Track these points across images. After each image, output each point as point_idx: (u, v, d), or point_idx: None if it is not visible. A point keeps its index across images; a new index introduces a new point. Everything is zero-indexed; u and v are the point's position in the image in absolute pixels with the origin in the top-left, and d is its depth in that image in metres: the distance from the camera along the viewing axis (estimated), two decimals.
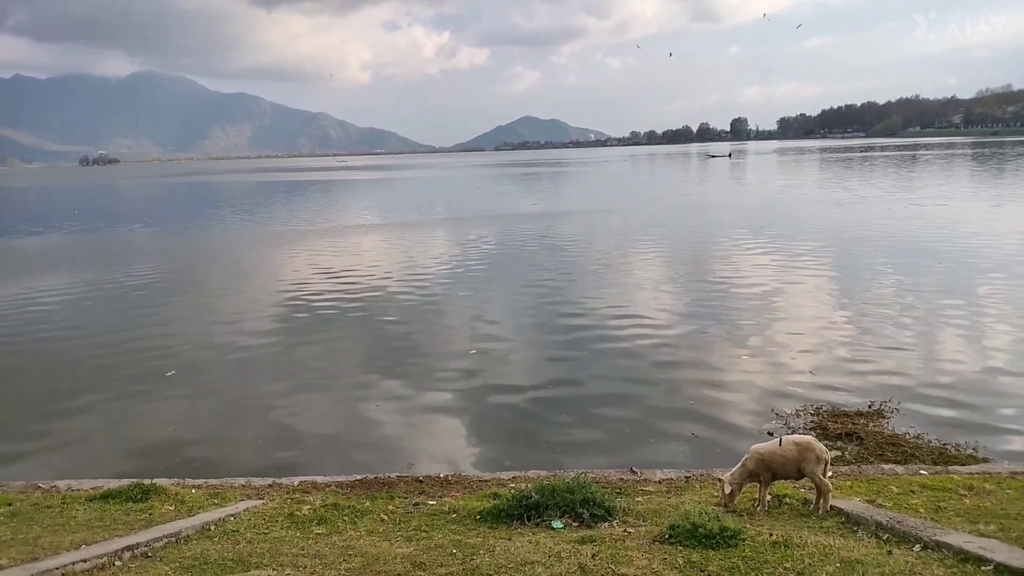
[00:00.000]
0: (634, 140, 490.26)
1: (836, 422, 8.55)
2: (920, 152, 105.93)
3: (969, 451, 7.64)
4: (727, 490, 5.23)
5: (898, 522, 4.60)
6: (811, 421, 8.75)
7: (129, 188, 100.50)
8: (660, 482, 6.56)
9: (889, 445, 7.78)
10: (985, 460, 7.29)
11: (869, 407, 9.09)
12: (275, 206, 52.75)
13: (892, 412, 8.91)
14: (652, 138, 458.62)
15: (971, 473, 6.46)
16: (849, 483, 6.17)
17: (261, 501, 6.10)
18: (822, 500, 5.18)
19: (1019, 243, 21.35)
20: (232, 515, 5.49)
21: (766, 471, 5.23)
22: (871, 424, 8.50)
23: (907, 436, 8.10)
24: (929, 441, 7.93)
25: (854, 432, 8.16)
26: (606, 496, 5.30)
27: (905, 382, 10.06)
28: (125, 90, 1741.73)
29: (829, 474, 5.22)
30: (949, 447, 7.76)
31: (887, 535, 4.47)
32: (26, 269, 24.14)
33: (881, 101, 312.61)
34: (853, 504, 5.25)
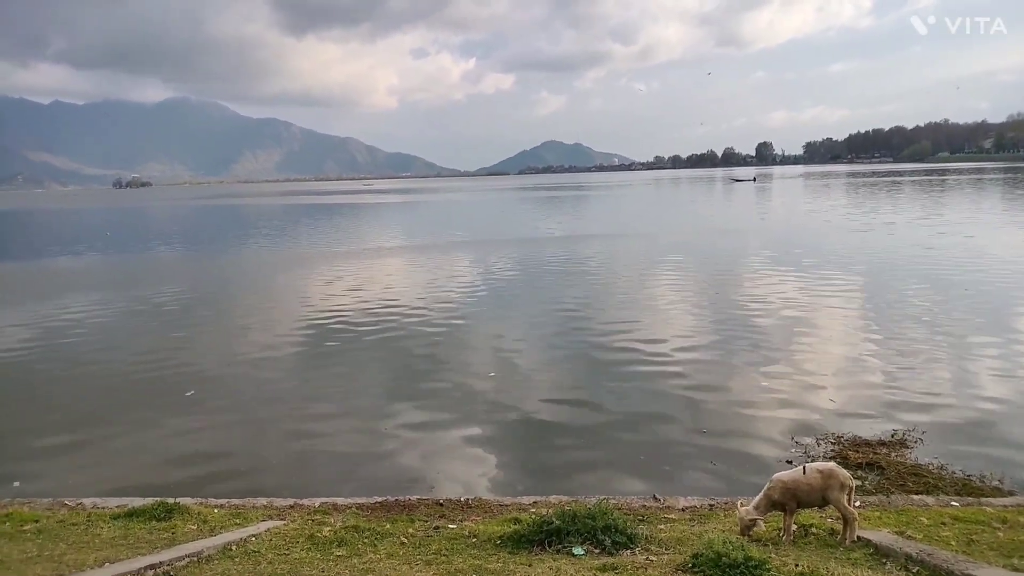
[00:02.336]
0: (658, 164, 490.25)
1: (857, 451, 8.37)
2: (950, 177, 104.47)
3: (995, 483, 7.40)
4: (748, 520, 5.12)
5: (929, 555, 4.47)
6: (832, 450, 8.56)
7: (160, 210, 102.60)
8: (683, 509, 6.47)
9: (911, 475, 7.60)
10: (1011, 493, 7.06)
11: (892, 436, 8.89)
12: (301, 228, 53.46)
13: (915, 442, 8.69)
14: (676, 162, 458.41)
15: (1005, 506, 6.28)
16: (878, 513, 6.03)
17: (282, 522, 6.12)
18: (848, 529, 5.06)
19: None
20: (254, 535, 5.51)
21: (791, 500, 5.13)
22: (893, 454, 8.30)
23: (930, 467, 7.90)
24: (953, 472, 7.72)
25: (875, 462, 7.98)
26: (628, 523, 5.24)
27: (930, 412, 9.81)
28: (159, 115, 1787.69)
29: (856, 503, 5.11)
30: (974, 478, 7.54)
31: (917, 568, 4.35)
32: (59, 288, 24.63)
33: (909, 126, 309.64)
34: (882, 535, 5.12)
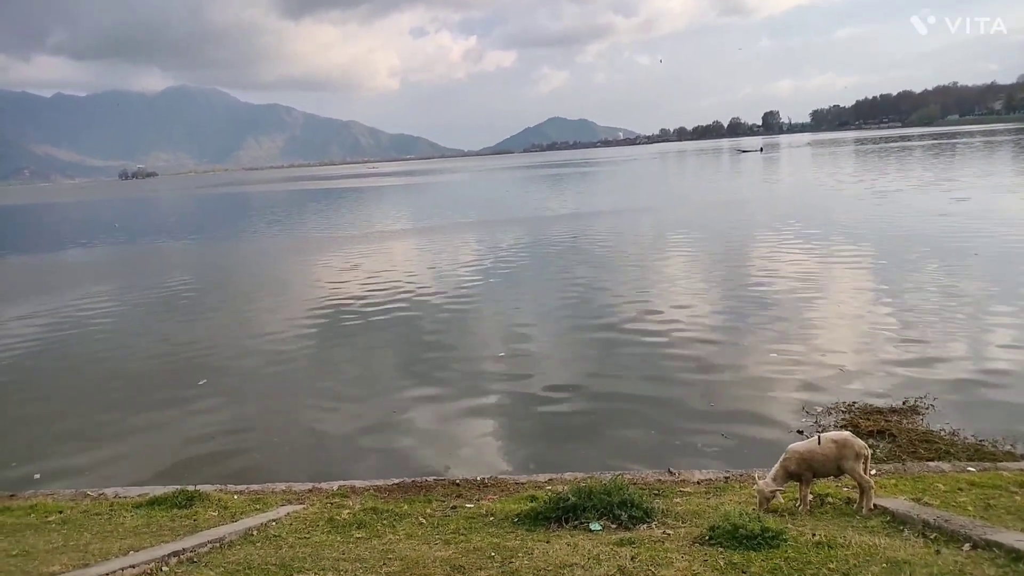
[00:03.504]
0: (664, 137, 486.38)
1: (868, 419, 8.35)
2: (959, 140, 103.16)
3: (1007, 448, 7.39)
4: (768, 492, 5.12)
5: (946, 520, 4.47)
6: (843, 419, 8.55)
7: (167, 200, 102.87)
8: (699, 483, 6.50)
9: (922, 442, 7.58)
10: (1023, 457, 7.05)
11: (903, 404, 8.86)
12: (307, 214, 53.55)
13: (927, 409, 8.67)
14: (682, 135, 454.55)
15: (1022, 469, 6.27)
16: (894, 481, 6.03)
17: (302, 506, 6.18)
18: (864, 498, 5.07)
19: None
20: (274, 520, 5.58)
21: (807, 470, 5.14)
22: (905, 421, 8.28)
23: (942, 433, 7.88)
24: (965, 438, 7.70)
25: (886, 429, 7.97)
26: (644, 497, 5.26)
27: (941, 379, 9.76)
28: (161, 105, 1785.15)
29: (872, 471, 5.12)
30: (986, 444, 7.52)
31: (935, 534, 4.35)
32: (69, 281, 24.82)
33: (918, 90, 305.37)
34: (898, 503, 5.13)
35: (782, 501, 5.27)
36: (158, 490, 6.81)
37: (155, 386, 11.88)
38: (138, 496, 6.73)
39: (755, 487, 5.20)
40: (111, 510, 6.28)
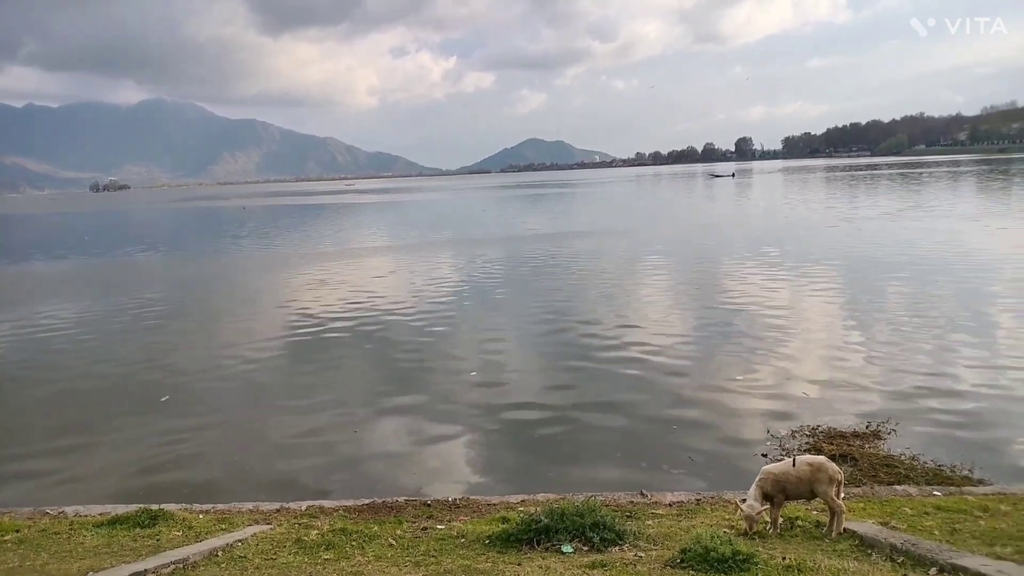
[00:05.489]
0: (639, 161, 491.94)
1: (831, 443, 8.46)
2: (925, 170, 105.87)
3: (964, 473, 7.53)
4: (755, 515, 5.10)
5: (913, 544, 4.53)
6: (807, 442, 8.65)
7: (138, 213, 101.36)
8: (671, 505, 6.50)
9: (883, 466, 7.70)
10: (981, 482, 7.19)
11: (866, 428, 9.01)
12: (282, 230, 53.06)
13: (889, 433, 8.81)
14: (657, 158, 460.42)
15: (986, 494, 6.37)
16: (862, 504, 6.09)
17: (269, 526, 6.06)
18: (835, 521, 5.11)
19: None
20: (240, 540, 5.46)
21: (780, 493, 5.17)
22: (867, 445, 8.40)
23: (902, 457, 8.01)
24: (924, 463, 7.83)
25: (848, 453, 8.08)
26: (616, 519, 5.25)
27: (904, 403, 9.94)
28: (135, 118, 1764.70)
29: (842, 495, 5.16)
30: (944, 468, 7.66)
31: (902, 558, 4.40)
32: (33, 295, 24.31)
33: (886, 119, 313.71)
34: (867, 526, 5.18)
35: (767, 520, 5.29)
36: (120, 509, 6.63)
37: (116, 403, 11.58)
38: (99, 515, 6.54)
39: (740, 513, 5.19)
40: (71, 529, 6.09)
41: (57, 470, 9.01)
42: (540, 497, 6.88)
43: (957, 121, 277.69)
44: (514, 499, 6.91)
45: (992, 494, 6.35)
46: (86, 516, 6.58)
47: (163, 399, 11.61)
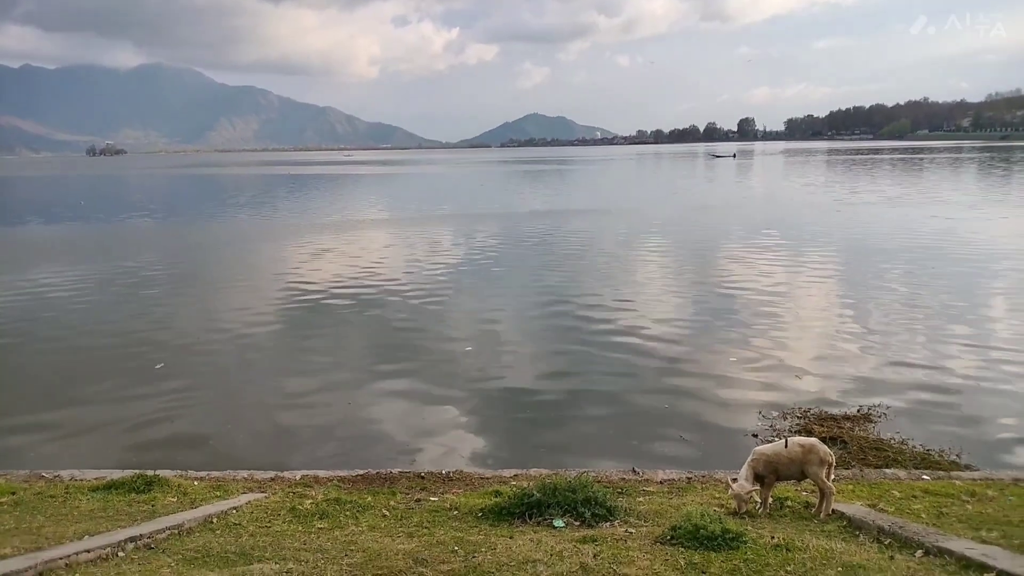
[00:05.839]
0: (641, 139, 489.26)
1: (822, 425, 8.54)
2: (926, 156, 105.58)
3: (952, 457, 7.62)
4: (745, 494, 5.14)
5: (900, 527, 4.58)
6: (797, 424, 8.73)
7: (135, 179, 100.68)
8: (662, 482, 6.56)
9: (872, 449, 7.80)
10: (968, 467, 7.28)
11: (857, 411, 9.08)
12: (280, 199, 52.82)
13: (880, 417, 8.89)
14: (659, 137, 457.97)
15: (973, 479, 6.44)
16: (851, 487, 6.16)
17: (263, 494, 6.11)
18: (824, 503, 5.17)
19: (1020, 250, 21.32)
20: (235, 508, 5.50)
21: (771, 473, 5.22)
22: (857, 428, 8.48)
23: (891, 441, 8.10)
24: (913, 447, 7.93)
25: (838, 436, 8.16)
26: (608, 496, 5.29)
27: (896, 387, 10.02)
28: (133, 81, 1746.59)
29: (832, 477, 5.21)
30: (933, 452, 7.76)
31: (889, 540, 4.46)
32: (27, 259, 24.20)
33: (890, 103, 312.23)
34: (855, 508, 5.24)
35: (757, 500, 5.34)
36: (116, 474, 6.67)
37: (112, 369, 11.59)
38: (95, 479, 6.58)
39: (731, 491, 5.23)
40: (67, 493, 6.14)
41: (53, 435, 9.04)
42: (533, 472, 6.93)
43: (961, 107, 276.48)
44: (507, 473, 6.97)
45: (979, 479, 6.42)
46: (82, 480, 6.62)
47: (158, 366, 11.61)
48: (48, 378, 11.30)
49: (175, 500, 5.95)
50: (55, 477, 6.80)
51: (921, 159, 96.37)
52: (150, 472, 6.50)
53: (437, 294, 17.02)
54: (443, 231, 30.47)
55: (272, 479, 6.83)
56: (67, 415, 9.65)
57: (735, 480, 5.25)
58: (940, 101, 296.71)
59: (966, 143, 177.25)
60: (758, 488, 5.24)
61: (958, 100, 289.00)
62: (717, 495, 5.91)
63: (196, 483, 6.53)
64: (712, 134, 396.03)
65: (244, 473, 7.06)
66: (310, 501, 5.79)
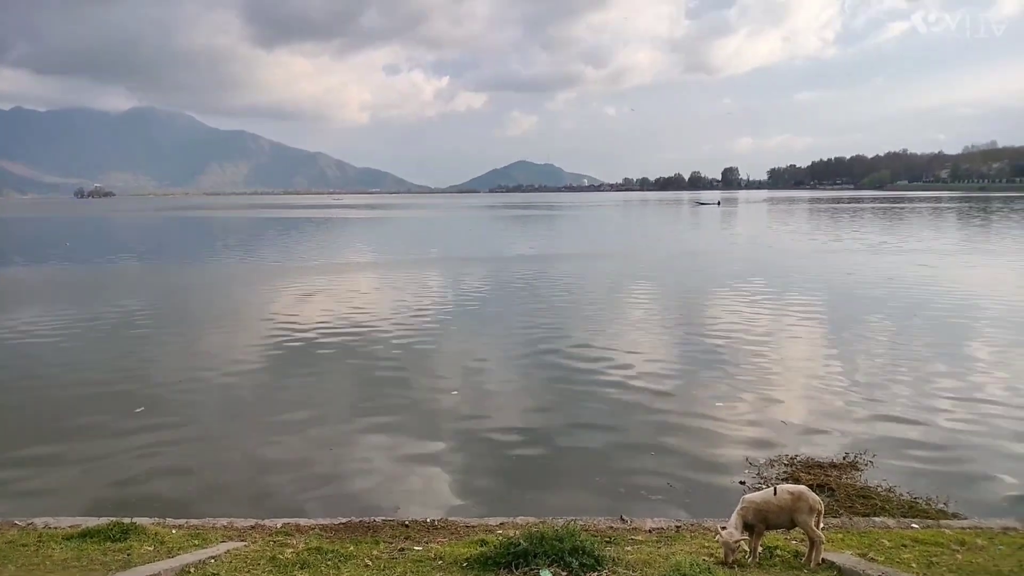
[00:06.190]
0: (627, 186, 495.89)
1: (809, 473, 8.51)
2: (907, 205, 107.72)
3: (940, 506, 7.60)
4: (734, 543, 5.06)
5: None
6: (784, 471, 8.69)
7: (123, 222, 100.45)
8: (650, 531, 6.46)
9: (859, 497, 7.76)
10: (955, 515, 7.25)
11: (844, 459, 9.07)
12: (268, 242, 52.82)
13: (866, 465, 8.87)
14: (645, 184, 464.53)
15: (963, 528, 6.40)
16: (840, 535, 6.10)
17: (243, 543, 5.96)
18: (814, 552, 5.11)
19: (1001, 298, 21.60)
20: (213, 557, 5.36)
21: (761, 522, 5.16)
22: (844, 476, 8.46)
23: (878, 489, 8.07)
24: (900, 495, 7.90)
25: (826, 483, 8.12)
26: (595, 545, 5.21)
27: (882, 435, 10.01)
28: (124, 125, 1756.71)
29: (821, 525, 5.16)
30: (920, 501, 7.73)
31: None
32: (10, 299, 23.94)
33: (870, 154, 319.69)
34: (845, 557, 5.18)
35: (747, 550, 5.27)
36: (91, 522, 6.49)
37: (90, 412, 11.36)
38: (69, 527, 6.40)
39: (719, 538, 5.17)
40: (39, 541, 5.96)
41: (27, 480, 8.82)
42: (519, 520, 6.82)
43: (939, 159, 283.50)
44: (493, 522, 6.85)
45: (968, 528, 6.39)
46: (56, 528, 6.44)
47: (138, 410, 11.42)
48: (23, 421, 11.07)
49: (152, 549, 5.79)
50: (28, 524, 6.60)
51: (902, 208, 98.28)
52: (126, 520, 6.34)
53: (424, 338, 16.95)
54: (431, 275, 30.49)
55: (252, 527, 6.67)
56: (42, 460, 9.42)
57: (724, 528, 5.19)
58: (919, 152, 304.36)
59: (945, 193, 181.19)
60: (747, 537, 5.18)
61: (936, 152, 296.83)
62: (707, 544, 5.83)
63: (174, 531, 6.36)
64: (697, 182, 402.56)
65: (223, 521, 6.90)
66: (291, 550, 5.65)
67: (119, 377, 13.57)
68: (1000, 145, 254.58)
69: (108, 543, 5.87)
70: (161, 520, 6.77)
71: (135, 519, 6.45)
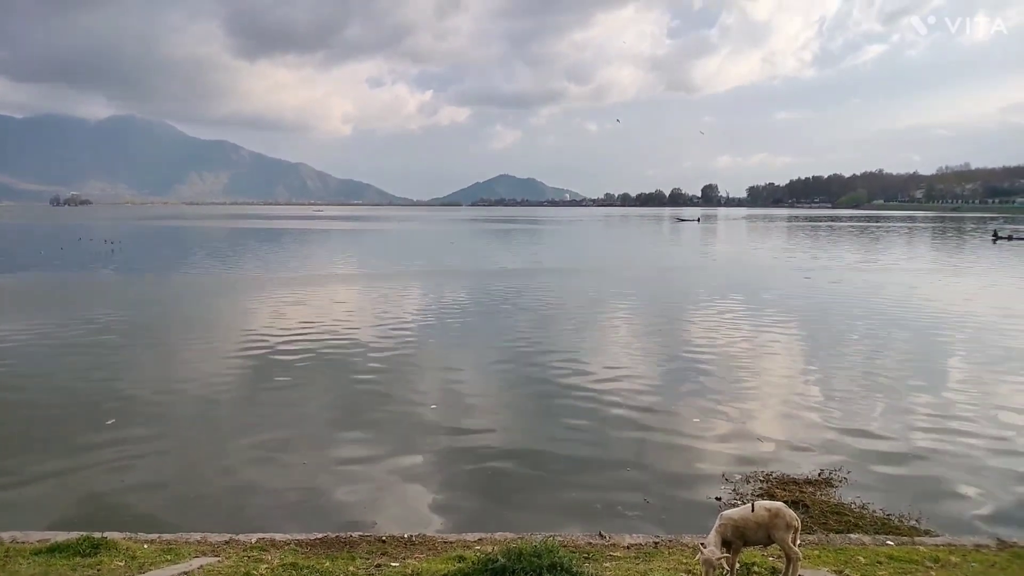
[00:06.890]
0: (608, 201, 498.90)
1: (784, 489, 8.58)
2: (883, 224, 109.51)
3: (912, 523, 7.68)
4: (715, 560, 5.05)
5: None
6: (760, 487, 8.74)
7: (100, 230, 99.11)
8: (629, 547, 6.46)
9: (833, 514, 7.83)
10: (927, 532, 7.33)
11: (819, 475, 9.15)
12: (247, 253, 52.37)
13: (840, 481, 8.95)
14: (626, 200, 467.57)
15: (936, 545, 6.47)
16: (817, 552, 6.13)
17: (216, 559, 5.87)
18: (791, 568, 5.13)
19: (975, 315, 21.98)
20: (185, 572, 5.28)
21: (739, 538, 5.17)
22: (818, 493, 8.53)
23: (852, 505, 8.15)
24: (874, 511, 7.98)
25: (800, 500, 8.19)
26: (574, 561, 5.19)
27: (857, 451, 10.11)
28: (102, 133, 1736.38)
29: (798, 542, 5.19)
30: (893, 517, 7.81)
31: None
32: None
33: (847, 174, 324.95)
34: (821, 574, 5.21)
35: (726, 567, 5.27)
36: (60, 536, 6.36)
37: (60, 424, 11.18)
38: (38, 542, 6.26)
39: (700, 556, 5.16)
40: (6, 556, 5.83)
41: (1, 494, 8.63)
42: (498, 536, 6.78)
43: (914, 179, 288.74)
44: (471, 537, 6.81)
45: (942, 545, 6.46)
46: (23, 543, 6.30)
47: (109, 422, 11.23)
48: None
49: (123, 564, 5.69)
50: None
51: (878, 227, 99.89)
52: (97, 535, 6.22)
53: (403, 352, 16.87)
54: (412, 287, 30.40)
55: (226, 542, 6.57)
56: (9, 472, 9.22)
57: (704, 545, 5.19)
58: (894, 172, 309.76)
59: (919, 213, 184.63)
60: (727, 555, 5.19)
61: (911, 172, 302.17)
62: (684, 560, 5.84)
63: (146, 546, 6.25)
64: (677, 199, 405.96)
65: (197, 536, 6.79)
66: (265, 566, 5.58)
67: (89, 388, 13.36)
68: (973, 167, 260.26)
69: (78, 558, 5.76)
70: (133, 535, 6.66)
71: (106, 533, 6.34)
